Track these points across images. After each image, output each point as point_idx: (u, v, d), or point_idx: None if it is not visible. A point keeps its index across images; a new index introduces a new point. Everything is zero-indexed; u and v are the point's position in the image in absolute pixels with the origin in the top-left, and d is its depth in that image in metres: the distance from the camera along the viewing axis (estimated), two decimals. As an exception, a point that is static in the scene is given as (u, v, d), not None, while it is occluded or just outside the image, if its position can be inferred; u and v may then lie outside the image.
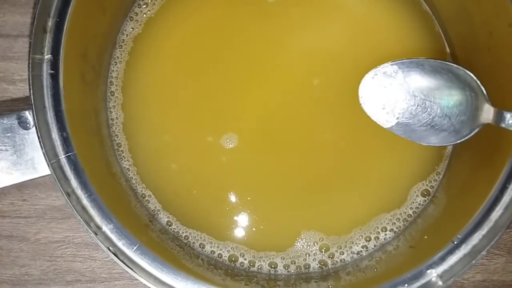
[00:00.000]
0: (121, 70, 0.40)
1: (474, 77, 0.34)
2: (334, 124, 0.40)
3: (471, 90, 0.34)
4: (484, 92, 0.33)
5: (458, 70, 0.34)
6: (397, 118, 0.36)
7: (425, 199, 0.39)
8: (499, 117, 0.32)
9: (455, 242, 0.31)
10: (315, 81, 0.40)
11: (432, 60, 0.35)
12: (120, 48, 0.40)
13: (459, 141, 0.35)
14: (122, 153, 0.39)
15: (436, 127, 0.35)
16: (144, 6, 0.40)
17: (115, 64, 0.40)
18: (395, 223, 0.39)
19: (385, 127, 0.36)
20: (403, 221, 0.39)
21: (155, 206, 0.39)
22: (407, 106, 0.36)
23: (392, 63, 0.35)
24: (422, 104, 0.35)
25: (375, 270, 0.37)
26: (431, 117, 0.35)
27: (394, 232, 0.39)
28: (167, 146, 0.40)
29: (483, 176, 0.34)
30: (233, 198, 0.39)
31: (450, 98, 0.35)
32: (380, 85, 0.36)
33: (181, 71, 0.40)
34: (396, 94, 0.36)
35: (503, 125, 0.32)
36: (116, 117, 0.39)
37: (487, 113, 0.33)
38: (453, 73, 0.34)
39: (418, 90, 0.35)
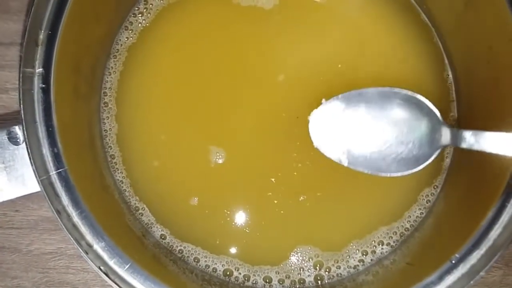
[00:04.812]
0: (115, 81, 0.39)
1: (424, 100, 0.33)
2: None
3: (425, 113, 0.33)
4: (438, 114, 0.33)
5: (408, 96, 0.33)
6: (348, 153, 0.35)
7: (422, 212, 0.39)
8: (458, 137, 0.31)
9: (453, 262, 0.31)
10: (312, 95, 0.39)
11: (380, 88, 0.34)
12: (114, 58, 0.39)
13: (419, 167, 0.33)
14: (116, 165, 0.39)
15: (393, 156, 0.34)
16: (140, 15, 0.40)
17: (109, 75, 0.39)
18: (392, 237, 0.38)
19: (341, 163, 0.35)
20: (400, 235, 0.39)
21: (149, 219, 0.38)
22: (359, 137, 0.34)
23: (338, 97, 0.34)
24: (374, 133, 0.34)
25: (372, 285, 0.36)
26: (386, 145, 0.34)
27: (391, 246, 0.38)
28: (161, 158, 0.39)
29: (481, 193, 0.33)
30: (228, 212, 0.38)
31: (403, 124, 0.34)
32: (328, 120, 0.35)
33: (175, 81, 0.39)
34: (346, 127, 0.35)
35: (464, 146, 0.31)
36: (110, 128, 0.39)
37: (445, 135, 0.33)
38: (403, 99, 0.33)
39: (369, 119, 0.34)
